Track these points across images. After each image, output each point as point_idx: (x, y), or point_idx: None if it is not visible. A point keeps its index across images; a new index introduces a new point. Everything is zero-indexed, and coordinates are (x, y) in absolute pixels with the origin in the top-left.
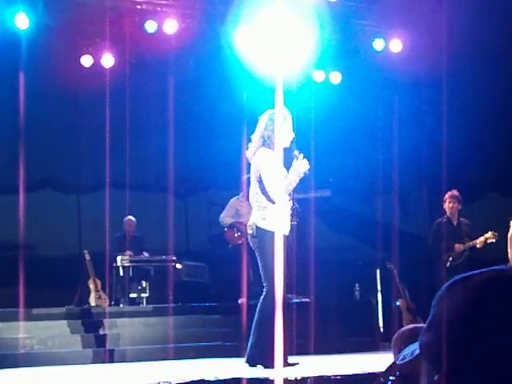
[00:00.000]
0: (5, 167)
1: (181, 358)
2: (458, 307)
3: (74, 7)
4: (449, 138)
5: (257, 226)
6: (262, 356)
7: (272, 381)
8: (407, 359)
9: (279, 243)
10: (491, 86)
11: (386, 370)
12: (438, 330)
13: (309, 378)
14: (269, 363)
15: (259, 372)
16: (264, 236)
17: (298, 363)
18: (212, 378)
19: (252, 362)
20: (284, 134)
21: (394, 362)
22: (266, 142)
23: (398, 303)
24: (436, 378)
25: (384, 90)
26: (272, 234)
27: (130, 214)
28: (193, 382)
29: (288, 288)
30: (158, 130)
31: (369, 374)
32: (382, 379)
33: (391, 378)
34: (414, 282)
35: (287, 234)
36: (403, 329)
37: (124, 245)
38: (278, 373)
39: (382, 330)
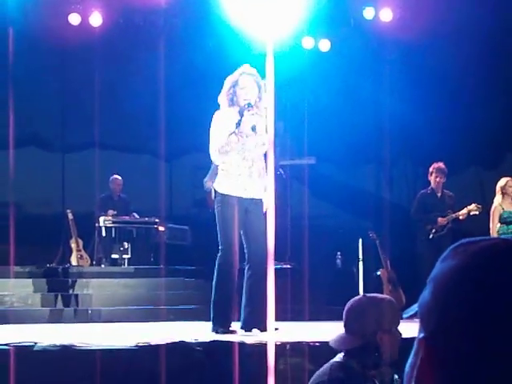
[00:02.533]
0: None
1: (161, 320)
2: (456, 269)
3: None
4: (435, 109)
5: (214, 189)
6: (213, 317)
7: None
8: (411, 313)
9: (231, 206)
10: (481, 56)
11: (354, 339)
12: (432, 289)
13: (288, 343)
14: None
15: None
16: (217, 198)
17: (277, 328)
18: (191, 340)
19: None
20: (244, 94)
21: (365, 333)
22: (228, 104)
23: (378, 273)
24: (421, 335)
25: (373, 59)
26: (224, 196)
27: (117, 174)
28: (173, 343)
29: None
30: (146, 92)
31: None
32: (348, 348)
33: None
34: (395, 253)
35: (246, 196)
36: (378, 299)
37: (109, 205)
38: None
39: None
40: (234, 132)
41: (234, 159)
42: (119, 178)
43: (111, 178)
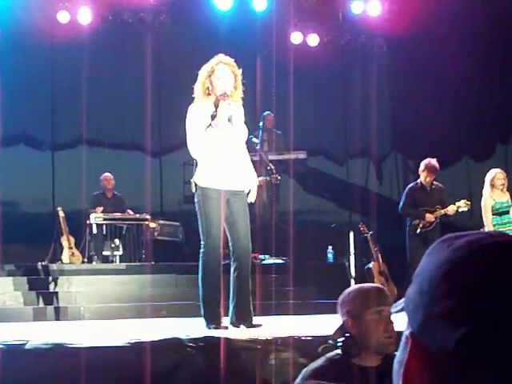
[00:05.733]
0: None
1: (153, 316)
2: (441, 264)
3: None
4: (424, 103)
5: (194, 183)
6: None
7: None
8: (399, 308)
9: (212, 199)
10: (472, 49)
11: (336, 331)
12: (418, 284)
13: (278, 338)
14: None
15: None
16: (197, 192)
17: (261, 325)
18: (184, 337)
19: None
20: (219, 85)
21: (342, 324)
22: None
23: (369, 266)
24: (407, 331)
25: (362, 53)
26: (203, 189)
27: (106, 172)
28: (165, 339)
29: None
30: (135, 88)
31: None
32: (331, 341)
33: (340, 339)
34: (386, 246)
35: (226, 189)
36: (349, 289)
37: (103, 203)
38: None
39: None
40: (210, 124)
41: (212, 152)
42: (110, 175)
43: (103, 175)
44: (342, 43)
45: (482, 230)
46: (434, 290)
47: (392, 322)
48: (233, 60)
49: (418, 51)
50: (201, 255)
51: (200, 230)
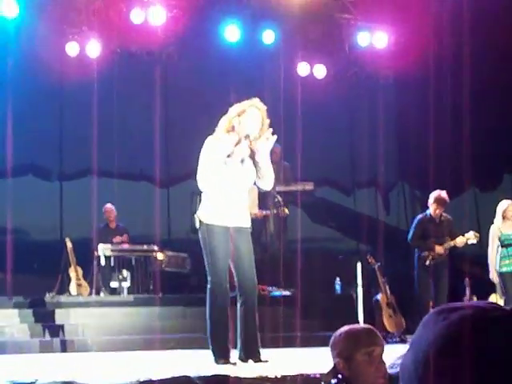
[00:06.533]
0: None
1: (161, 348)
2: (434, 338)
3: None
4: (431, 134)
5: (198, 218)
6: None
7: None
8: (395, 370)
9: (217, 235)
10: (477, 83)
11: (328, 372)
12: (413, 355)
13: (287, 376)
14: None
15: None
16: (202, 228)
17: (268, 360)
18: (194, 374)
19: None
20: (245, 126)
21: (334, 365)
22: (228, 129)
23: (377, 298)
24: None
25: (368, 84)
26: (208, 226)
27: (110, 202)
28: (175, 378)
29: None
30: (143, 119)
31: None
32: (323, 382)
33: (333, 381)
34: (393, 276)
35: (232, 225)
36: (339, 330)
37: (108, 235)
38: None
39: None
40: (223, 160)
41: (220, 188)
42: (111, 206)
43: (104, 207)
44: (348, 75)
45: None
46: (427, 365)
47: (384, 363)
48: (265, 108)
49: (424, 82)
50: (208, 292)
51: (206, 266)
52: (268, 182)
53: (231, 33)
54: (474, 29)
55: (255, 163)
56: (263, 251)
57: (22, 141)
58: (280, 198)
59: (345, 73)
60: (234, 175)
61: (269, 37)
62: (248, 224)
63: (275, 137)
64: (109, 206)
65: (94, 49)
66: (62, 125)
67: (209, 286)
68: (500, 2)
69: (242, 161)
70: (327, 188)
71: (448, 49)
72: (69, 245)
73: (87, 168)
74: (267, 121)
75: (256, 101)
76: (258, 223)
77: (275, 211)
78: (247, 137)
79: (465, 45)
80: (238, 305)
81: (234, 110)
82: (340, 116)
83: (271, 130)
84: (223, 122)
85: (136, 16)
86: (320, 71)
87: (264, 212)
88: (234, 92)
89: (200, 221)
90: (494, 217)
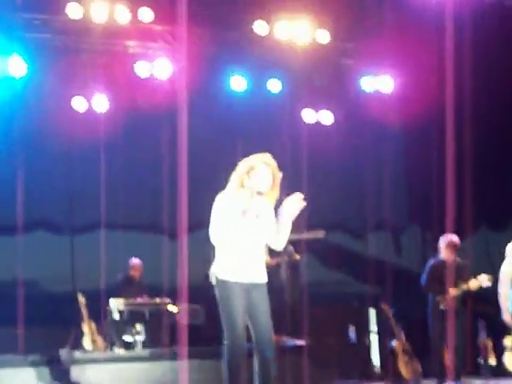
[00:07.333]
0: None
1: None
2: None
3: (67, 52)
4: (442, 175)
5: (213, 275)
6: None
7: None
8: None
9: (233, 292)
10: (484, 128)
11: None
12: None
13: None
14: None
15: None
16: (217, 284)
17: None
18: None
19: None
20: (255, 182)
21: None
22: (239, 186)
23: (393, 345)
24: None
25: (375, 128)
26: (224, 282)
27: (126, 256)
28: None
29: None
30: (152, 172)
31: None
32: None
33: None
34: (408, 321)
35: (248, 281)
36: None
37: (131, 289)
38: None
39: (378, 372)
40: (238, 216)
41: (234, 243)
42: (139, 262)
43: (131, 262)
44: (354, 120)
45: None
46: None
47: None
48: (275, 162)
49: (431, 127)
50: (225, 349)
51: (222, 322)
52: (281, 242)
53: (237, 83)
54: (478, 72)
55: (276, 221)
56: (275, 299)
57: (33, 197)
58: (291, 247)
59: (351, 118)
60: (250, 230)
61: (275, 85)
62: (264, 279)
63: (303, 204)
64: (136, 261)
65: (101, 103)
66: (71, 179)
67: (225, 342)
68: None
69: (257, 216)
70: (338, 233)
71: (455, 93)
72: (81, 300)
73: (97, 221)
74: (279, 175)
75: (265, 156)
76: (269, 271)
77: (287, 258)
78: (259, 193)
79: (468, 87)
80: (255, 357)
81: (243, 166)
82: (348, 161)
83: (301, 195)
84: (233, 179)
85: (142, 70)
86: (326, 118)
87: (276, 260)
88: (242, 142)
89: (216, 277)
90: (505, 257)
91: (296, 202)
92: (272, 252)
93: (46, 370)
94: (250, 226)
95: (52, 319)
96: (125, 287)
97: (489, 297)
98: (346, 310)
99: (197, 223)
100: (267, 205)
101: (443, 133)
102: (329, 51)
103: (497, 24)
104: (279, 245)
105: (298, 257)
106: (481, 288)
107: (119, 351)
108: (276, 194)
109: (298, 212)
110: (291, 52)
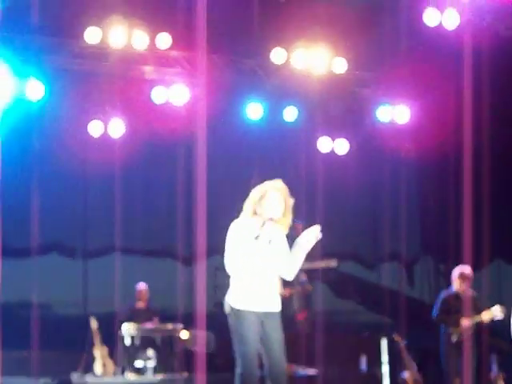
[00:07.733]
0: (12, 231)
1: None
2: None
3: (84, 76)
4: (455, 208)
5: (228, 304)
6: None
7: None
8: None
9: (247, 321)
10: (501, 160)
11: None
12: None
13: None
14: None
15: None
16: (231, 313)
17: None
18: None
19: None
20: (267, 208)
21: None
22: (252, 213)
23: (404, 376)
24: None
25: (390, 158)
26: (238, 311)
27: (139, 281)
28: None
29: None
30: (166, 198)
31: None
32: None
33: None
34: (419, 352)
35: (262, 310)
36: None
37: (140, 316)
38: None
39: None
40: (249, 243)
41: (248, 271)
42: (144, 287)
43: (137, 286)
44: (370, 149)
45: None
46: None
47: None
48: (287, 188)
49: (447, 158)
50: (237, 377)
51: (235, 350)
52: (292, 272)
53: (254, 110)
54: (496, 103)
55: (290, 249)
56: (287, 329)
57: (47, 220)
58: (304, 276)
59: (366, 148)
60: (262, 256)
61: (291, 114)
62: (278, 308)
63: (320, 235)
64: (143, 286)
65: (116, 128)
66: (86, 203)
67: (238, 370)
68: None
69: (270, 241)
70: (351, 262)
71: (470, 122)
72: (93, 325)
73: (110, 245)
74: (291, 201)
75: (276, 182)
76: (282, 301)
77: (300, 289)
78: (271, 219)
79: (486, 118)
80: None
81: (256, 193)
82: (362, 190)
83: (319, 227)
84: (246, 207)
85: (158, 95)
86: (342, 147)
87: (289, 290)
88: (258, 169)
89: (230, 306)
90: None
91: (314, 233)
92: (285, 282)
93: None
94: (263, 252)
95: (64, 343)
96: (132, 315)
97: (501, 331)
98: (358, 340)
99: (210, 250)
100: (279, 231)
101: (459, 164)
102: (345, 80)
103: None
104: (290, 275)
105: (310, 288)
106: (493, 320)
107: (130, 376)
108: (288, 219)
109: (314, 243)
110: (308, 80)
